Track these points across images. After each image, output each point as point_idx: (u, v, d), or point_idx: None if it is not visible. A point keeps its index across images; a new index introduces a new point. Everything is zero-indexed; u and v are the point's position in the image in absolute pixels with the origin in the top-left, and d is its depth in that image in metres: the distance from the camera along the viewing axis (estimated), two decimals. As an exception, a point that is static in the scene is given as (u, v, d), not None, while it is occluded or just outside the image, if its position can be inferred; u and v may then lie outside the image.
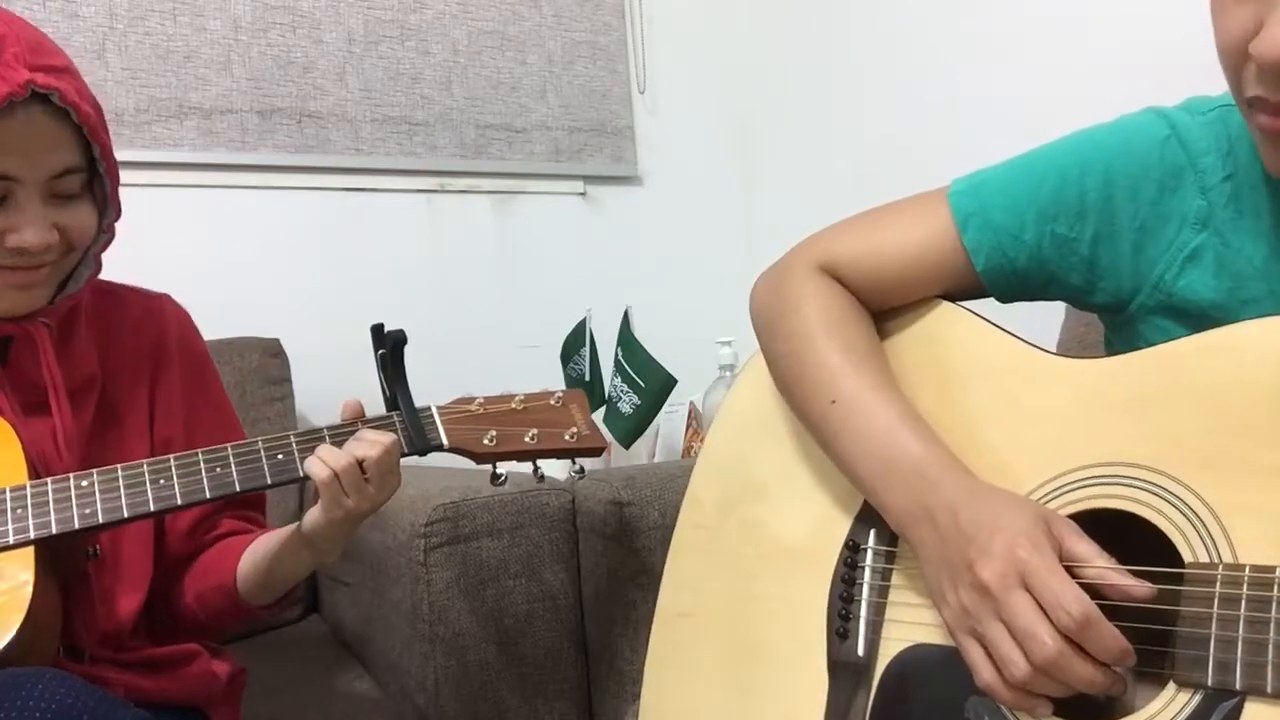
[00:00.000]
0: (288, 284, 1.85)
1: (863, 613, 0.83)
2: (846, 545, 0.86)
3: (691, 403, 1.85)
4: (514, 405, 1.04)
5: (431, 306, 1.93)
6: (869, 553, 0.85)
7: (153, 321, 1.10)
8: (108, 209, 1.01)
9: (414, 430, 1.00)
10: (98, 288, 1.08)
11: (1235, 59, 0.66)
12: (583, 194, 2.14)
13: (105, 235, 1.02)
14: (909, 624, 0.80)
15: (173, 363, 1.09)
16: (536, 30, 2.07)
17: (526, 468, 1.10)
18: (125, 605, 1.02)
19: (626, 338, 1.72)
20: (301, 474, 0.95)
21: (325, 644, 1.58)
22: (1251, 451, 0.66)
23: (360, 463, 0.94)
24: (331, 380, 1.79)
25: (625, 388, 1.69)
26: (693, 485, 1.01)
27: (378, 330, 1.02)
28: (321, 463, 0.94)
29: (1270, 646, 0.61)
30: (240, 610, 1.06)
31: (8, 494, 0.90)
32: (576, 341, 1.78)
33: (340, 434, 0.97)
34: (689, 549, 1.00)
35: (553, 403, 1.06)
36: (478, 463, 1.04)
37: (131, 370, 1.07)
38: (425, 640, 1.31)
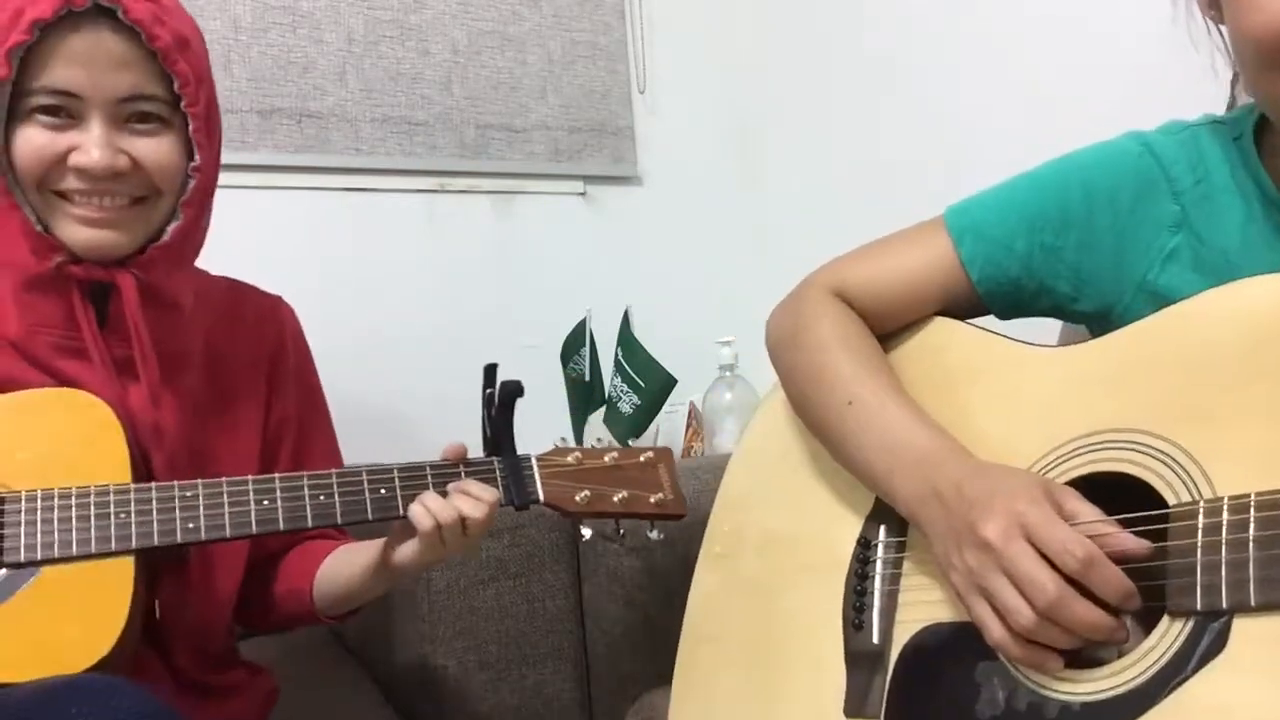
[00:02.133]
0: (288, 284, 1.84)
1: (876, 603, 0.87)
2: (859, 543, 0.90)
3: (691, 403, 1.85)
4: (607, 461, 1.06)
5: (431, 306, 1.93)
6: (880, 546, 0.89)
7: (272, 321, 1.12)
8: (194, 149, 0.96)
9: (515, 483, 1.00)
10: (220, 283, 1.10)
11: None
12: (583, 194, 2.13)
13: (193, 181, 0.97)
14: (921, 604, 0.84)
15: (289, 363, 1.11)
16: (536, 30, 2.07)
17: None
18: (212, 611, 1.02)
19: (626, 338, 1.72)
20: (402, 513, 0.95)
21: (325, 644, 1.57)
22: (1222, 398, 0.71)
23: (464, 520, 0.94)
24: (331, 381, 1.78)
25: (625, 388, 1.69)
26: (713, 521, 1.06)
27: (490, 371, 1.03)
28: (427, 512, 0.93)
29: (1251, 564, 0.65)
30: (306, 614, 1.07)
31: (111, 493, 0.88)
32: (576, 341, 1.77)
33: (442, 475, 0.98)
34: (711, 579, 1.04)
35: (642, 460, 1.07)
36: (565, 517, 1.06)
37: (250, 365, 1.08)
38: (425, 640, 1.31)
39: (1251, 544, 0.65)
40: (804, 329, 0.95)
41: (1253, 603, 0.64)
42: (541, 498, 1.01)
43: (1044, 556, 0.71)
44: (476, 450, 1.03)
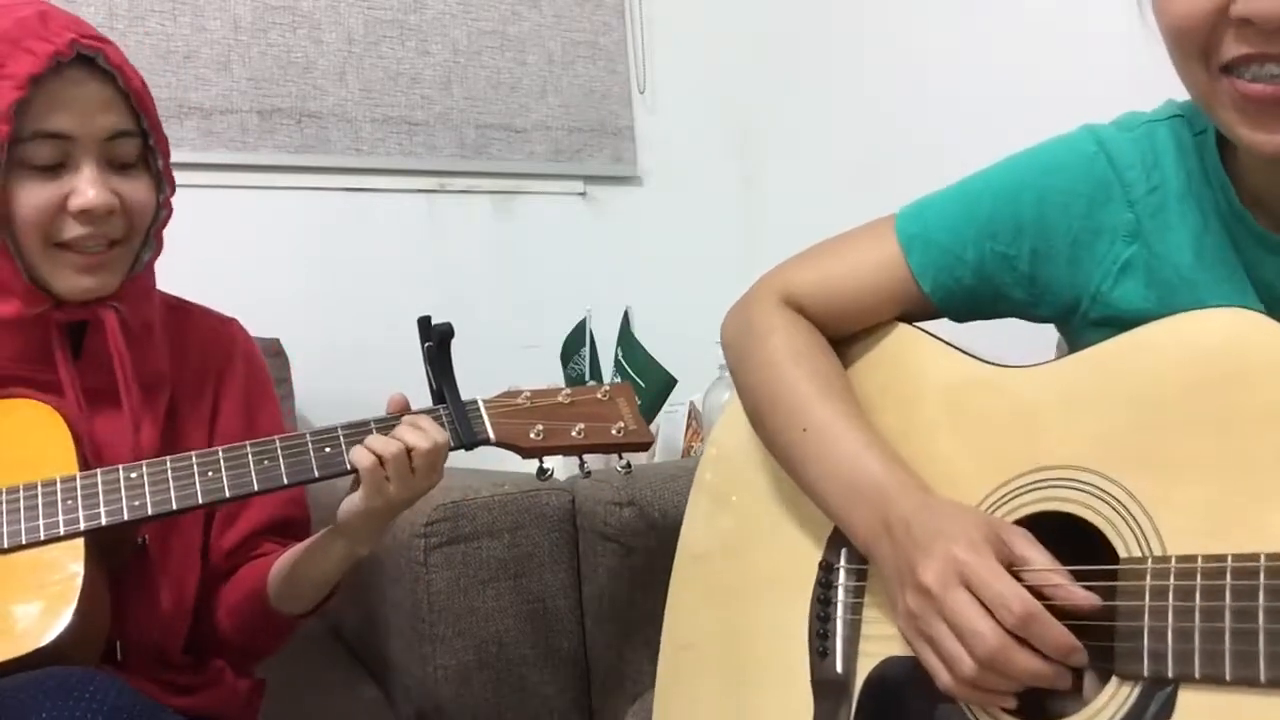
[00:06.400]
0: (288, 284, 1.85)
1: (839, 630, 0.86)
2: (821, 566, 0.88)
3: (691, 403, 1.85)
4: (560, 399, 1.03)
5: (431, 306, 1.90)
6: (841, 572, 0.87)
7: (220, 341, 1.10)
8: (163, 184, 1.01)
9: (461, 424, 0.99)
10: (168, 301, 1.08)
11: (1203, 29, 0.68)
12: (583, 194, 2.14)
13: (164, 212, 1.02)
14: (881, 638, 0.82)
15: (237, 384, 1.09)
16: (536, 30, 2.07)
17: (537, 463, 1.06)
18: (172, 606, 1.01)
19: (626, 338, 1.72)
20: (349, 468, 0.94)
21: (325, 644, 1.58)
22: (1173, 444, 0.69)
23: (409, 451, 0.93)
24: (332, 380, 1.79)
25: (625, 388, 1.69)
26: (686, 522, 1.04)
27: (424, 322, 1.02)
28: (367, 451, 0.93)
29: (1196, 634, 0.63)
30: (271, 619, 1.05)
31: (58, 484, 0.90)
32: (576, 341, 1.78)
33: (386, 427, 0.97)
34: (686, 583, 1.02)
35: (600, 396, 1.04)
36: (524, 457, 1.02)
37: (195, 386, 1.07)
38: (425, 640, 1.30)
39: (1197, 614, 0.64)
40: (754, 342, 0.92)
41: (1197, 675, 0.63)
42: (492, 437, 1.00)
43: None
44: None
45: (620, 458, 1.07)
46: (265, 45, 1.85)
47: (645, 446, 1.05)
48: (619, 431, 1.02)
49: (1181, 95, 0.83)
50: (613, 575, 1.34)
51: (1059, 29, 1.55)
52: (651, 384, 1.66)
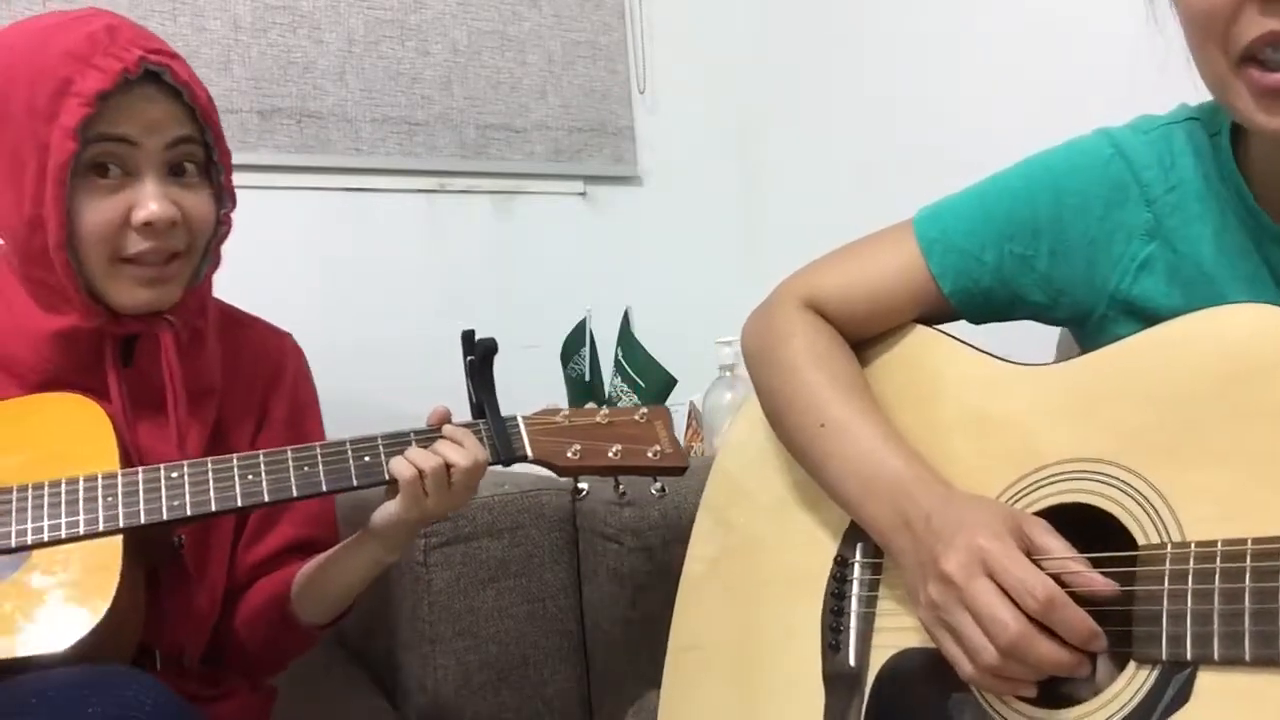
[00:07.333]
0: (287, 284, 1.84)
1: (852, 624, 0.86)
2: (835, 561, 0.89)
3: (691, 402, 1.85)
4: (599, 419, 1.04)
5: (431, 306, 1.93)
6: (856, 566, 0.88)
7: (272, 355, 1.11)
8: (224, 198, 1.02)
9: (500, 440, 0.99)
10: (225, 312, 1.10)
11: (1227, 11, 0.68)
12: (583, 194, 2.13)
13: (223, 227, 1.03)
14: (895, 630, 0.83)
15: (283, 397, 1.10)
16: (536, 30, 2.07)
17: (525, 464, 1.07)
18: (202, 610, 1.02)
19: (626, 338, 1.72)
20: (387, 478, 0.95)
21: (325, 644, 1.57)
22: (1195, 437, 0.70)
23: (449, 467, 0.94)
24: (331, 380, 1.78)
25: (625, 388, 1.69)
26: (697, 523, 1.05)
27: (468, 336, 1.02)
28: (408, 463, 0.94)
29: (1215, 616, 0.64)
30: (289, 625, 1.05)
31: (99, 481, 0.90)
32: (576, 341, 1.78)
33: (426, 439, 0.97)
34: (696, 584, 1.03)
35: (637, 418, 1.05)
36: (560, 475, 1.03)
37: (244, 397, 1.08)
38: (425, 640, 1.31)
39: (1217, 595, 0.64)
40: (775, 344, 0.94)
41: (1216, 657, 0.64)
42: (530, 454, 1.00)
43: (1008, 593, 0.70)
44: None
45: (656, 480, 1.07)
46: (265, 45, 1.84)
47: (680, 471, 1.05)
48: (655, 455, 1.03)
49: (1181, 96, 0.83)
50: (613, 575, 1.34)
51: (1059, 29, 1.55)
52: (651, 384, 1.66)
